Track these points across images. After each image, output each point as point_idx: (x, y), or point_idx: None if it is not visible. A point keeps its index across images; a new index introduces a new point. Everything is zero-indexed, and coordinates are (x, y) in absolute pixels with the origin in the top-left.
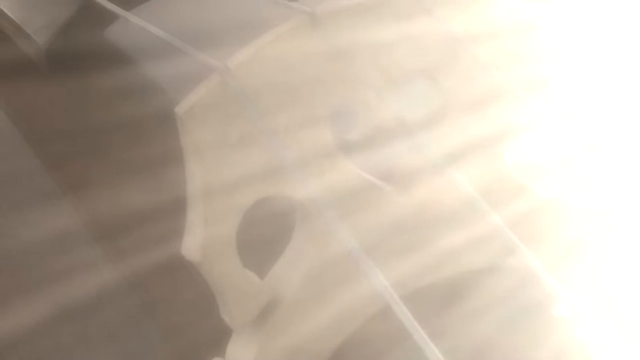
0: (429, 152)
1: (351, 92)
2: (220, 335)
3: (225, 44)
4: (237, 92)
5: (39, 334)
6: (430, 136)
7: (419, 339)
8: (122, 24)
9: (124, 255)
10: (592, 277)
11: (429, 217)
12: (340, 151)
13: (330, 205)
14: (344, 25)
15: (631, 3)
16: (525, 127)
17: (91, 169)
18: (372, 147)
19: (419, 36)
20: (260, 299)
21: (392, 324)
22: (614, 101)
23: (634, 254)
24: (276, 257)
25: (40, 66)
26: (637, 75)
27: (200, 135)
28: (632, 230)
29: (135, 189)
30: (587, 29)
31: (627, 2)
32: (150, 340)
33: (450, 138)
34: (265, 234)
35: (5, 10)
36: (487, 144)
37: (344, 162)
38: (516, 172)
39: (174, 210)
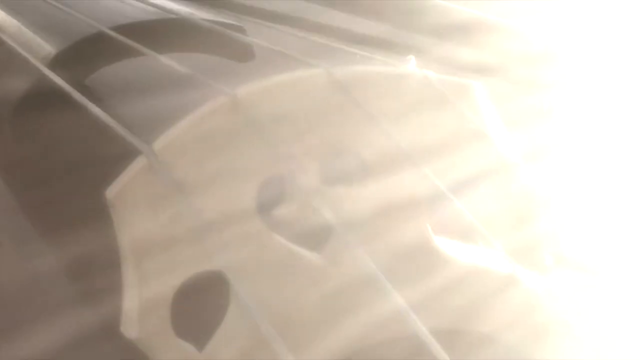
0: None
1: (277, 167)
2: None
3: (151, 124)
4: (162, 174)
5: None
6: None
7: None
8: None
9: (100, 298)
10: None
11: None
12: (268, 224)
13: (255, 279)
14: (265, 102)
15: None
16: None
17: (65, 212)
18: (299, 218)
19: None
20: None
21: None
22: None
23: None
24: (213, 330)
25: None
26: None
27: (130, 216)
28: None
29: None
30: (598, 57)
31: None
32: None
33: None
34: (200, 308)
35: None
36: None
37: (270, 234)
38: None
39: None
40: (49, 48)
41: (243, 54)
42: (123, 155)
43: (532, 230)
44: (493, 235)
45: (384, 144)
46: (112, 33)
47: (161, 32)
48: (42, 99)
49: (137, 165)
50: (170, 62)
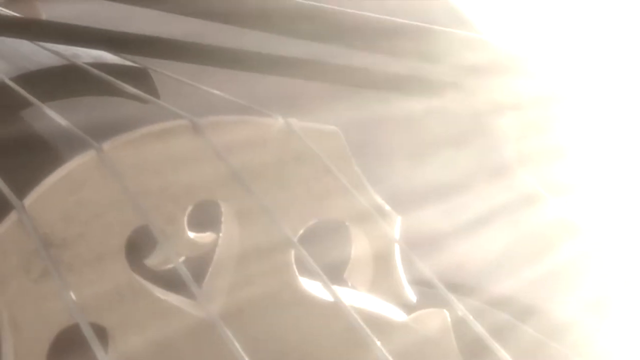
0: None
1: (144, 217)
2: None
3: (21, 178)
4: (31, 229)
5: None
6: None
7: None
8: None
9: None
10: None
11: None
12: (139, 273)
13: (131, 327)
14: (131, 154)
15: None
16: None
17: None
18: (169, 266)
19: None
20: None
21: None
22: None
23: None
24: None
25: None
26: None
27: (2, 270)
28: None
29: None
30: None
31: None
32: None
33: None
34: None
35: None
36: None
37: (141, 283)
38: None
39: None
40: None
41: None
42: None
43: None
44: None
45: (243, 194)
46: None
47: (54, 80)
48: None
49: (9, 220)
50: (51, 113)
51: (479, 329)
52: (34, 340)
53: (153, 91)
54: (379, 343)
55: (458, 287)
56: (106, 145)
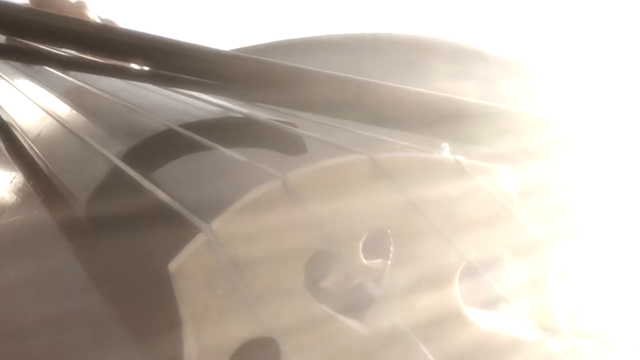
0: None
1: (323, 245)
2: None
3: (210, 206)
4: (218, 251)
5: None
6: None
7: None
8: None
9: None
10: None
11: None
12: (315, 295)
13: (303, 345)
14: (312, 185)
15: None
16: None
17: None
18: (343, 290)
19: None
20: None
21: None
22: None
23: None
24: None
25: (85, 222)
26: None
27: (190, 287)
28: None
29: None
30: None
31: None
32: None
33: None
34: None
35: (54, 170)
36: None
37: (317, 305)
38: None
39: None
40: (118, 144)
41: (295, 147)
42: (183, 234)
43: (551, 300)
44: (517, 304)
45: (419, 222)
46: (181, 130)
47: (223, 129)
48: (114, 189)
49: (196, 242)
50: (230, 152)
51: None
52: (216, 352)
53: (301, 141)
54: None
55: None
56: (290, 176)
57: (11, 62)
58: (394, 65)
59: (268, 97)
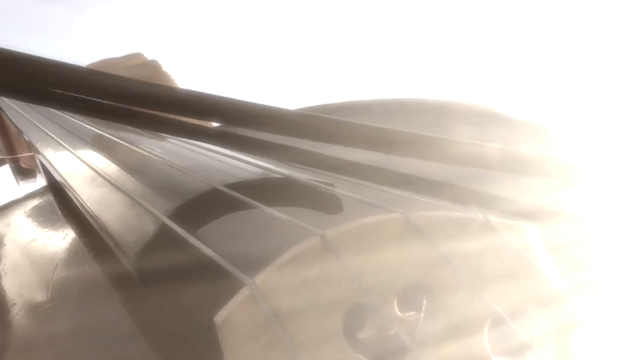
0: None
1: (360, 297)
2: None
3: (253, 261)
4: (262, 304)
5: None
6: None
7: None
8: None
9: None
10: None
11: None
12: (352, 345)
13: None
14: (350, 241)
15: None
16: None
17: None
18: (379, 341)
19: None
20: None
21: None
22: None
23: None
24: None
25: (134, 276)
26: None
27: (235, 338)
28: None
29: None
30: None
31: None
32: None
33: None
34: None
35: (107, 226)
36: None
37: (354, 355)
38: None
39: None
40: (165, 203)
41: (333, 206)
42: (227, 288)
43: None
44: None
45: (450, 276)
46: (226, 190)
47: (264, 189)
48: (162, 245)
49: (241, 295)
50: (272, 210)
51: None
52: None
53: (339, 201)
54: None
55: None
56: (329, 233)
57: (60, 123)
58: (420, 129)
59: None
